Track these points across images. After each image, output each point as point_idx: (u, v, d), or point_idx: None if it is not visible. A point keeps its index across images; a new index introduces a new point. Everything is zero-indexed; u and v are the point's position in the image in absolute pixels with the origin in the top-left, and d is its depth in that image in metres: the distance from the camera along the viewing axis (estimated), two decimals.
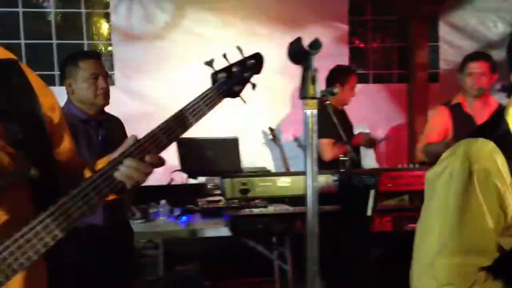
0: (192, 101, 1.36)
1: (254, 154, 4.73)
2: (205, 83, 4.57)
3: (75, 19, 4.72)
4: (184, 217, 3.17)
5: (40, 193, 1.27)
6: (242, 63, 1.39)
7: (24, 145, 1.27)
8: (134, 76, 4.72)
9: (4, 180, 1.23)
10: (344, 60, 4.99)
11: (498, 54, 5.11)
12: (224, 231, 2.96)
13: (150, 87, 4.72)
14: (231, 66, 1.38)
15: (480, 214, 1.11)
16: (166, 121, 1.34)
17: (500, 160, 1.13)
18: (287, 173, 3.65)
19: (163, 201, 3.23)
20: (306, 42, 4.96)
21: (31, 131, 1.31)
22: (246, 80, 1.40)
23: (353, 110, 4.38)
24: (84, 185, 1.26)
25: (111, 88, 4.51)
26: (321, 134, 3.97)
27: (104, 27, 4.82)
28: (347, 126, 4.08)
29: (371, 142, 4.08)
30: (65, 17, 4.73)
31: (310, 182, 1.46)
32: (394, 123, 5.15)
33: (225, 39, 4.74)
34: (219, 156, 3.58)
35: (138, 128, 4.70)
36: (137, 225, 3.03)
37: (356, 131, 4.18)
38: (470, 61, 3.46)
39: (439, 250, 1.13)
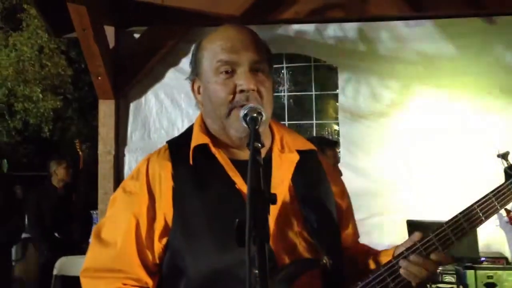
0: (483, 197, 1.32)
1: (488, 238, 4.37)
2: (435, 161, 4.42)
3: (306, 100, 5.05)
4: None
5: (330, 281, 1.35)
6: None
7: (318, 233, 1.37)
8: (359, 153, 4.81)
9: (300, 266, 1.32)
10: None
11: None
12: None
13: (375, 164, 4.75)
14: None
15: None
16: (454, 217, 1.32)
17: None
18: None
19: None
20: None
21: (324, 219, 1.41)
22: None
23: None
24: (371, 278, 1.30)
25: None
26: None
27: (331, 107, 5.06)
28: None
29: None
30: (297, 99, 5.09)
31: None
32: None
33: (453, 115, 4.61)
34: None
35: (361, 204, 4.77)
36: None
37: None
38: None
39: None
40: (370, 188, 4.70)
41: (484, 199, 1.30)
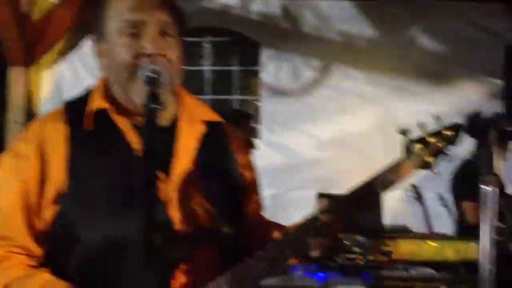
0: (383, 170, 1.34)
1: (394, 212, 4.58)
2: (351, 138, 4.56)
3: (228, 75, 5.04)
4: (320, 273, 3.13)
5: (229, 250, 1.35)
6: (438, 134, 1.32)
7: (219, 203, 1.36)
8: (279, 130, 4.87)
9: (199, 235, 1.32)
10: None
11: None
12: None
13: (293, 140, 4.84)
14: (426, 136, 1.33)
15: None
16: (354, 189, 1.33)
17: None
18: (434, 235, 3.46)
19: None
20: (456, 99, 4.76)
21: (226, 189, 1.40)
22: (441, 152, 1.32)
23: (505, 170, 4.09)
24: (270, 247, 1.30)
25: (256, 141, 4.78)
26: (467, 196, 3.80)
27: (253, 83, 5.08)
28: (499, 187, 3.80)
29: None
30: (219, 74, 5.07)
31: (486, 264, 1.34)
32: None
33: (371, 94, 4.76)
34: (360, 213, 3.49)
35: (280, 179, 4.83)
36: (272, 279, 3.04)
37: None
38: None
39: None
40: (289, 164, 4.80)
41: (382, 172, 1.33)
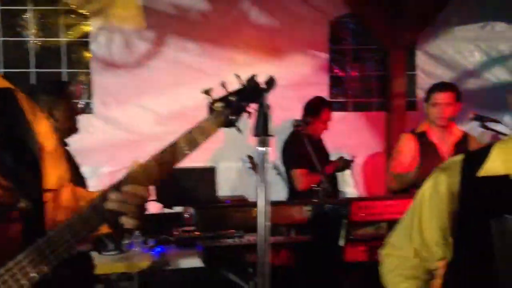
0: (188, 130, 1.33)
1: (233, 182, 4.72)
2: (187, 110, 4.55)
3: (55, 48, 4.72)
4: (158, 248, 3.13)
5: (30, 225, 1.26)
6: (239, 92, 1.35)
7: (15, 176, 1.26)
8: (113, 104, 4.71)
9: None
10: (324, 89, 5.03)
11: (474, 83, 5.20)
12: (198, 262, 2.92)
13: (129, 115, 4.71)
14: (228, 95, 1.35)
15: None
16: (161, 150, 1.31)
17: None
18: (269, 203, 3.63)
19: (137, 232, 3.19)
20: (285, 71, 4.96)
21: (23, 161, 1.29)
22: (243, 110, 1.36)
23: (331, 138, 4.41)
24: (74, 218, 1.24)
25: (90, 116, 4.58)
26: (294, 164, 4.04)
27: (83, 55, 4.81)
28: (323, 155, 4.09)
29: (344, 165, 4.13)
30: (45, 46, 4.73)
31: (262, 222, 1.42)
32: (373, 151, 5.17)
33: (205, 67, 4.78)
34: (195, 186, 3.56)
35: (116, 155, 4.67)
36: (110, 256, 2.98)
37: (333, 159, 4.21)
38: (435, 91, 3.49)
39: None
40: (125, 139, 4.67)
41: (187, 133, 1.34)
